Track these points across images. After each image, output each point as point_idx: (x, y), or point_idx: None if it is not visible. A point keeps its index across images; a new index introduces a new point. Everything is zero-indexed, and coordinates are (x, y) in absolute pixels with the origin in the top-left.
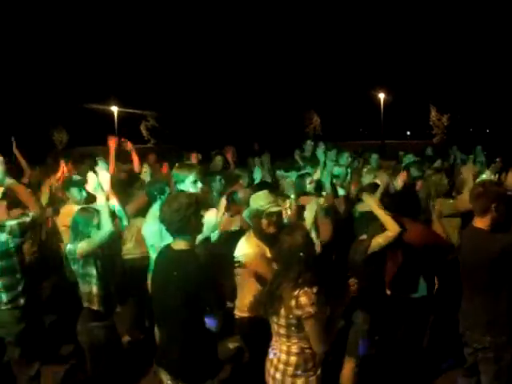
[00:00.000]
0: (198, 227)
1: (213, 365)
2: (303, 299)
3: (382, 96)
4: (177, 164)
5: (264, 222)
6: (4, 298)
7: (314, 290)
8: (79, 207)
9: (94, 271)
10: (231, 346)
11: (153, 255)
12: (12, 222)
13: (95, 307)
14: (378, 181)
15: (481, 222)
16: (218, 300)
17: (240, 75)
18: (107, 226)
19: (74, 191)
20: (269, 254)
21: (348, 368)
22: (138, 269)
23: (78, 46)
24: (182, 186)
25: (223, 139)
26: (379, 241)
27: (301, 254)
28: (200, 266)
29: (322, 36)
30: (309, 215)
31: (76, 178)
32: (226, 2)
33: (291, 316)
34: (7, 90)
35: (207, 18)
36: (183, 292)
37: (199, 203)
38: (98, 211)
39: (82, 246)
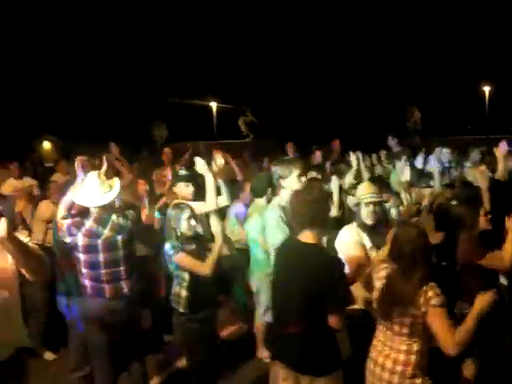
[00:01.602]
0: (324, 223)
1: (335, 358)
2: (430, 293)
3: (487, 89)
4: (277, 159)
5: (363, 211)
6: (124, 285)
7: (435, 284)
8: (175, 202)
9: (187, 276)
10: None
11: (254, 249)
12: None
13: (182, 309)
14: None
15: None
16: (346, 298)
17: (341, 69)
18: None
19: (182, 186)
20: (366, 243)
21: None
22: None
23: (179, 42)
24: (285, 182)
25: (322, 133)
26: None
27: (421, 252)
28: (329, 260)
29: (426, 29)
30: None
31: (182, 172)
32: None
33: (418, 313)
34: (108, 86)
35: (301, 11)
36: (308, 286)
37: (328, 200)
38: (189, 207)
39: (183, 260)
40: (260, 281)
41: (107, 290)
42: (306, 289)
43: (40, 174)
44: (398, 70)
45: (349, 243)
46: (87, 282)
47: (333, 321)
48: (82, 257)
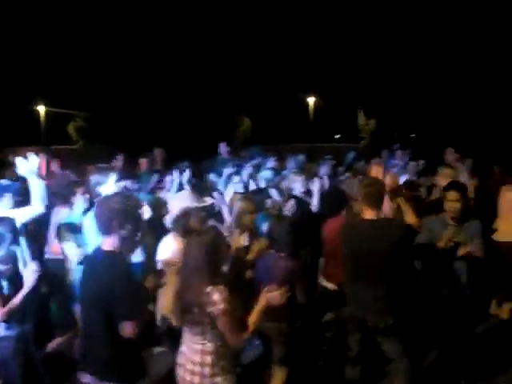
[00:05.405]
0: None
1: (137, 367)
2: (216, 296)
3: (311, 100)
4: (98, 167)
5: (192, 219)
6: None
7: (224, 287)
8: None
9: None
10: None
11: None
12: None
13: None
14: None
15: (371, 214)
16: (137, 307)
17: (170, 77)
18: None
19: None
20: None
21: None
22: None
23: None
24: (102, 188)
25: (154, 141)
26: None
27: (210, 254)
28: (119, 269)
29: (253, 41)
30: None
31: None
32: None
33: (204, 313)
34: None
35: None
36: (98, 295)
37: (134, 207)
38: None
39: None
40: None
41: None
42: (96, 296)
43: None
44: (231, 80)
45: (170, 252)
46: None
47: (124, 329)
48: None
